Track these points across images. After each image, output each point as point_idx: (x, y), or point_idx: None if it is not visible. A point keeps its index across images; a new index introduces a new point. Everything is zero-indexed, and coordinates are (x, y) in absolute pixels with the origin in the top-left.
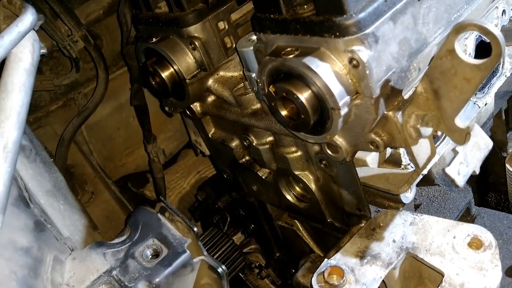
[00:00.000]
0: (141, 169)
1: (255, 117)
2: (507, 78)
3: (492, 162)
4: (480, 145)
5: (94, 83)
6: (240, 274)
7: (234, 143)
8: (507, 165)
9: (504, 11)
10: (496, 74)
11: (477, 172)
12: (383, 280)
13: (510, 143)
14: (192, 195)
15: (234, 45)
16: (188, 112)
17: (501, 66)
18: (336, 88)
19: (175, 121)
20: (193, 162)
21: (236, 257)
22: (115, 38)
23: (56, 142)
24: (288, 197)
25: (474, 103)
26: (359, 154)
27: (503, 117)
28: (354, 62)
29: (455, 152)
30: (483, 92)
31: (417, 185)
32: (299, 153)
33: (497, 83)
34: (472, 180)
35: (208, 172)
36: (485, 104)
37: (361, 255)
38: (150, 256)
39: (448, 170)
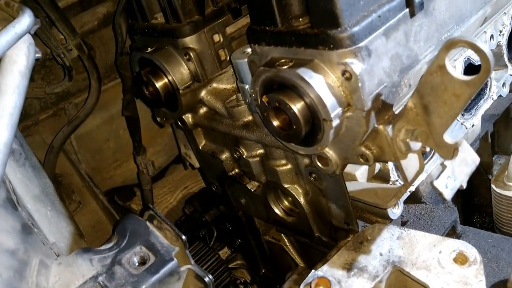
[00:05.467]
0: (128, 182)
1: (247, 129)
2: (493, 101)
3: (478, 184)
4: (467, 161)
5: (85, 94)
6: None
7: (224, 156)
8: (493, 186)
9: (492, 36)
10: (484, 97)
11: (464, 187)
12: None
13: (496, 166)
14: (179, 210)
15: (228, 58)
16: (179, 123)
17: (488, 89)
18: (329, 100)
19: (164, 135)
20: (181, 177)
21: (222, 272)
22: (108, 50)
23: (44, 151)
24: (276, 210)
25: (462, 124)
26: (348, 169)
27: (489, 140)
28: (347, 74)
29: (443, 166)
30: (471, 114)
31: (404, 203)
32: (289, 166)
33: (484, 106)
34: (458, 201)
35: (196, 187)
36: (472, 126)
37: (348, 267)
38: (137, 263)
39: (436, 183)
